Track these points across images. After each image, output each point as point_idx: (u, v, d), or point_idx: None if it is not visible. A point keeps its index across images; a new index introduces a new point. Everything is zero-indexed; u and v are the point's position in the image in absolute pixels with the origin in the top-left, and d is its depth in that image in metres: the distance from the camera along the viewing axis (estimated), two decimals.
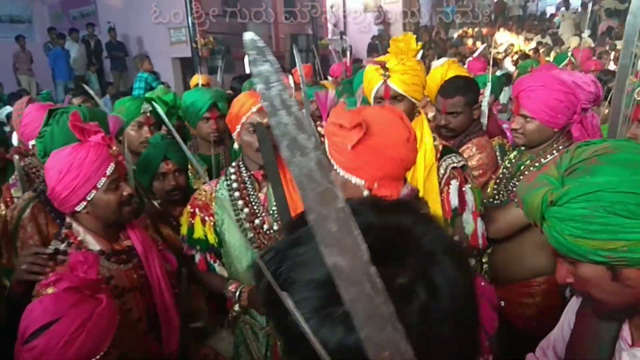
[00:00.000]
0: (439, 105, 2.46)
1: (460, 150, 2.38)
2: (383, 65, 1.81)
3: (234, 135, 1.89)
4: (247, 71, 5.25)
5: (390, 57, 1.88)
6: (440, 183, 1.88)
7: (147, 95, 2.99)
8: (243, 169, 1.93)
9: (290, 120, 0.46)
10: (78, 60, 10.75)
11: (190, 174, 2.55)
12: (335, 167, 1.27)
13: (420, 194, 1.85)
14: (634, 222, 0.77)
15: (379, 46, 14.91)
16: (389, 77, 1.82)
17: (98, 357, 1.12)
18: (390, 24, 15.95)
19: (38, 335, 1.08)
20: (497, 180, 2.30)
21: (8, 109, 5.00)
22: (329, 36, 15.97)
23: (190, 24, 10.04)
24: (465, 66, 3.93)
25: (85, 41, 11.25)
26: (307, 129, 0.46)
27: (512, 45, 12.20)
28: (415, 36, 1.97)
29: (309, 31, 14.63)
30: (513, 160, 2.27)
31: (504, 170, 2.29)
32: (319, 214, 0.44)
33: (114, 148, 1.49)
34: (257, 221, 1.87)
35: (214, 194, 1.92)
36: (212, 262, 1.94)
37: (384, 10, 15.93)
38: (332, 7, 16.38)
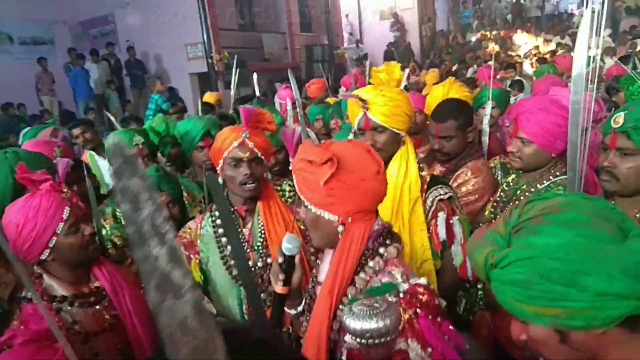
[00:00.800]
0: (431, 129, 2.41)
1: (455, 175, 2.32)
2: (361, 98, 1.77)
3: (218, 169, 1.88)
4: (257, 89, 5.27)
5: (369, 88, 1.84)
6: (427, 215, 1.84)
7: (148, 125, 3.00)
8: (227, 203, 1.91)
9: (162, 252, 0.38)
10: (98, 79, 11.00)
11: (186, 202, 2.56)
12: (305, 204, 1.26)
13: (405, 227, 1.81)
14: (571, 291, 0.74)
15: (395, 53, 14.86)
16: (367, 109, 1.79)
17: None
18: (406, 30, 15.87)
19: None
20: (494, 204, 2.23)
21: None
22: (345, 45, 15.99)
23: (205, 40, 10.16)
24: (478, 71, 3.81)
25: (105, 60, 11.50)
26: (182, 263, 0.38)
27: (537, 47, 11.94)
28: (398, 65, 1.93)
29: (324, 41, 14.66)
30: (511, 184, 2.20)
31: (502, 193, 2.22)
32: None
33: (66, 191, 1.49)
34: None
35: (199, 231, 1.91)
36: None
37: (399, 17, 15.88)
38: (347, 15, 16.41)
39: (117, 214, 2.46)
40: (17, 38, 12.18)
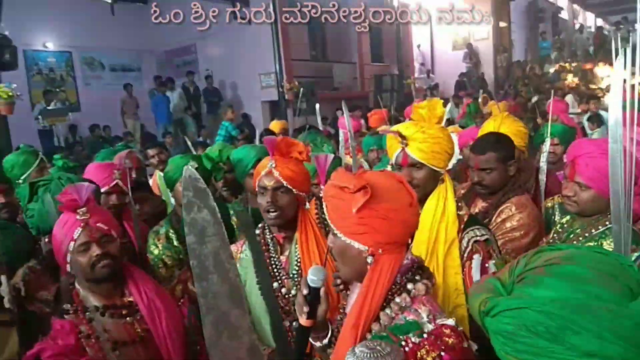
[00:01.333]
0: (471, 162, 2.35)
1: (499, 210, 2.24)
2: (400, 134, 1.77)
3: None
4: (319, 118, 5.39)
5: (409, 124, 1.83)
6: (462, 257, 1.78)
7: (211, 151, 3.14)
8: (267, 230, 1.96)
9: (223, 290, 0.41)
10: (176, 105, 11.71)
11: (235, 227, 2.64)
12: (335, 232, 1.24)
13: (440, 269, 1.75)
14: (556, 347, 0.70)
15: (467, 84, 14.61)
16: (406, 145, 1.78)
17: None
18: (480, 60, 15.58)
19: None
20: (547, 245, 2.12)
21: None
22: (416, 75, 15.95)
23: (277, 69, 10.56)
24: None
25: (184, 88, 12.25)
26: (241, 304, 0.41)
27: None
28: (441, 101, 1.91)
29: (394, 71, 14.72)
30: (565, 226, 2.09)
31: (554, 235, 2.11)
32: None
33: (81, 213, 1.59)
34: (275, 284, 1.88)
35: (239, 255, 1.97)
36: None
37: (473, 47, 15.64)
38: (419, 46, 16.41)
39: (170, 234, 2.58)
40: (108, 65, 13.29)
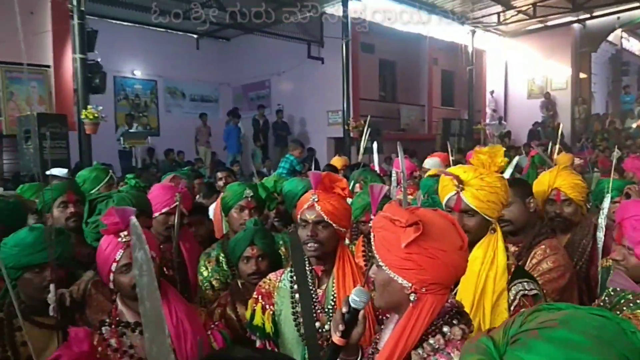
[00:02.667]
0: None
1: (532, 252, 2.15)
2: (457, 177, 1.75)
3: None
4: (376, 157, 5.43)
5: (468, 168, 1.79)
6: (508, 309, 1.71)
7: (267, 181, 3.25)
8: (307, 262, 2.00)
9: (151, 315, 0.51)
10: (245, 136, 12.24)
11: (283, 257, 2.69)
12: (379, 263, 1.23)
13: (486, 321, 1.68)
14: None
15: (541, 133, 14.13)
16: (462, 189, 1.74)
17: None
18: (557, 110, 15.05)
19: None
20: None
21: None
22: (487, 121, 15.64)
23: (345, 107, 10.77)
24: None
25: (255, 120, 12.76)
26: (164, 329, 0.52)
27: None
28: (504, 149, 1.87)
29: (464, 115, 14.54)
30: (618, 289, 1.97)
31: (606, 297, 1.99)
32: None
33: (123, 236, 1.68)
34: None
35: (277, 284, 2.01)
36: (270, 350, 1.99)
37: (550, 97, 15.16)
38: (492, 92, 16.14)
39: (221, 258, 2.67)
40: (189, 94, 14.14)
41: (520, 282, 1.73)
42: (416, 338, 1.19)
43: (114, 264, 1.67)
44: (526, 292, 1.71)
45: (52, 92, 8.00)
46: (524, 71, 15.68)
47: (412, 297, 1.19)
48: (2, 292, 1.94)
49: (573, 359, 0.67)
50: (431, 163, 4.51)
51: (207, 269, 2.68)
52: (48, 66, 8.03)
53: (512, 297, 1.71)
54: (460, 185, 1.76)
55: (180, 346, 1.69)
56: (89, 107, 7.06)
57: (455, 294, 1.72)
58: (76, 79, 7.39)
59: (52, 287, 1.70)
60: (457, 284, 1.70)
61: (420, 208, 1.29)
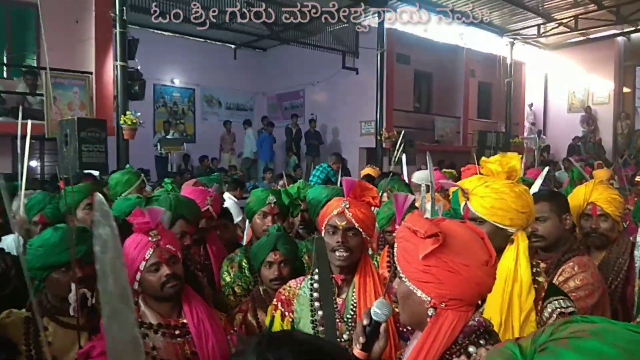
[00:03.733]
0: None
1: (560, 269, 2.07)
2: (461, 188, 1.72)
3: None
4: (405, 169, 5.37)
5: (473, 178, 1.77)
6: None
7: (291, 188, 3.26)
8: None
9: (116, 290, 0.48)
10: (277, 145, 12.37)
11: (306, 264, 2.68)
12: (400, 275, 1.19)
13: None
14: None
15: (581, 148, 13.71)
16: (468, 199, 1.73)
17: None
18: (598, 125, 14.58)
19: None
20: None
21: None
22: (525, 134, 15.29)
23: (378, 118, 10.73)
24: None
25: (288, 129, 12.87)
26: (130, 303, 0.48)
27: None
28: (518, 156, 1.83)
29: (501, 128, 14.25)
30: None
31: None
32: None
33: (153, 235, 1.70)
34: None
35: (297, 291, 1.99)
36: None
37: (592, 111, 14.71)
38: (531, 105, 15.78)
39: (243, 264, 2.68)
40: (225, 103, 14.39)
41: (555, 300, 1.66)
42: (436, 356, 1.13)
43: (143, 263, 1.68)
44: (563, 309, 1.64)
45: (93, 98, 8.27)
46: (564, 84, 15.28)
47: (430, 312, 1.14)
48: (33, 291, 1.99)
49: None
50: (419, 177, 4.54)
51: (229, 274, 2.69)
52: (90, 73, 8.32)
53: (547, 315, 1.65)
54: (466, 195, 1.75)
55: (201, 345, 1.70)
56: (127, 112, 7.27)
57: (482, 312, 1.67)
58: (116, 86, 7.64)
59: (73, 286, 1.72)
60: (484, 301, 1.65)
61: (446, 220, 1.24)
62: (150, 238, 1.70)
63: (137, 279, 1.69)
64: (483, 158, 1.91)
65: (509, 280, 1.66)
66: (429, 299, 1.14)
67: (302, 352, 0.65)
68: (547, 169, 3.66)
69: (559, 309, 1.64)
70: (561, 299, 1.67)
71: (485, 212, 1.69)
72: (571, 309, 1.65)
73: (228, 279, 2.66)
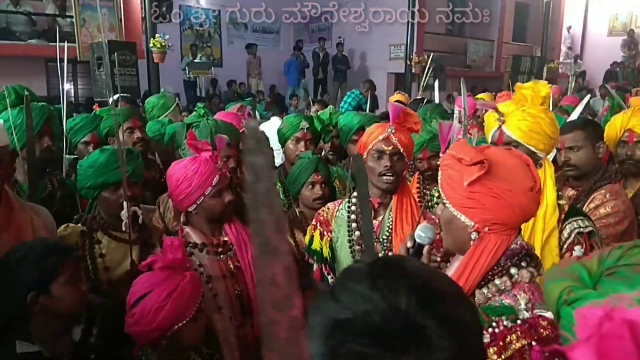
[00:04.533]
0: (558, 145, 2.23)
1: (591, 197, 2.12)
2: (497, 110, 1.74)
3: None
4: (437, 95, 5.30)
5: (509, 103, 1.78)
6: (561, 247, 1.72)
7: (323, 113, 3.28)
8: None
9: (269, 219, 0.45)
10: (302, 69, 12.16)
11: (337, 189, 2.78)
12: (444, 201, 1.23)
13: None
14: None
15: (619, 74, 13.14)
16: (503, 122, 1.74)
17: (184, 321, 1.42)
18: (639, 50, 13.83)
19: (136, 305, 1.42)
20: None
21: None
22: (561, 59, 14.65)
23: (408, 42, 10.40)
24: None
25: (315, 53, 12.59)
26: (283, 232, 0.46)
27: None
28: (547, 84, 1.82)
29: (536, 53, 13.65)
30: None
31: None
32: (270, 318, 0.44)
33: (219, 163, 1.79)
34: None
35: (335, 213, 2.10)
36: (326, 274, 2.12)
37: (635, 35, 13.91)
38: (569, 28, 14.99)
39: (278, 187, 2.80)
40: (251, 26, 14.03)
41: (575, 220, 1.73)
42: (478, 277, 1.18)
43: (210, 189, 1.76)
44: (581, 229, 1.72)
45: (122, 20, 8.20)
46: (606, 6, 14.37)
47: (473, 236, 1.18)
48: (87, 208, 2.15)
49: None
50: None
51: None
52: None
53: (566, 236, 1.73)
54: (502, 118, 1.76)
55: (243, 259, 1.84)
56: (157, 35, 7.22)
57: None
58: (144, 6, 7.52)
59: (125, 204, 1.83)
60: None
61: (491, 147, 1.27)
62: (216, 165, 1.78)
63: (198, 202, 1.78)
64: (518, 84, 1.91)
65: None
66: (473, 223, 1.18)
67: (414, 287, 0.63)
68: (588, 96, 3.57)
69: (577, 229, 1.71)
70: (580, 219, 1.74)
71: (522, 135, 1.73)
72: (590, 229, 1.72)
73: None
